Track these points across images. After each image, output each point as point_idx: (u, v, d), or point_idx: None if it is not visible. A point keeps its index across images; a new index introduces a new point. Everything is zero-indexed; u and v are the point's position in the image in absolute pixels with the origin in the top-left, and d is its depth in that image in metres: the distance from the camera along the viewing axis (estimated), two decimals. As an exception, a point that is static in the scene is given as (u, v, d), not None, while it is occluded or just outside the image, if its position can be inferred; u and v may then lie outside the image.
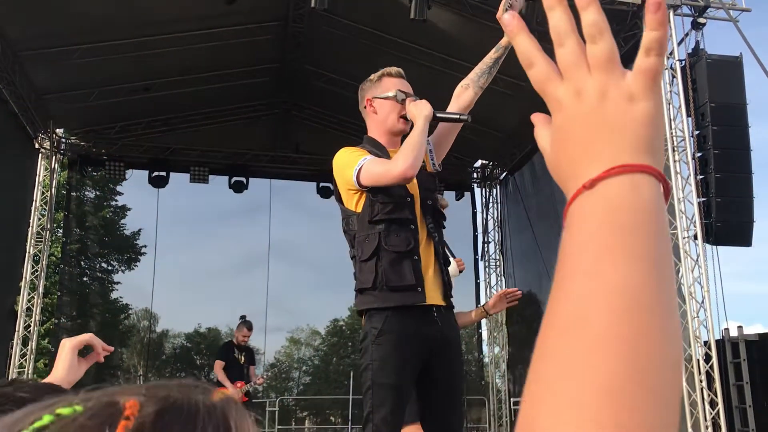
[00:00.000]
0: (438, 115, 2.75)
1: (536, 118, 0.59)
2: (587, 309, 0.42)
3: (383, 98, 2.88)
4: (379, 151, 2.82)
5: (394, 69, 2.95)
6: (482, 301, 13.62)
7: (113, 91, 10.99)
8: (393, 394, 2.54)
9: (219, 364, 8.16)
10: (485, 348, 14.18)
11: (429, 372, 2.69)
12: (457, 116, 2.77)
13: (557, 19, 0.52)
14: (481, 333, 14.23)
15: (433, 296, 2.70)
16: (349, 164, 2.71)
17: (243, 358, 8.25)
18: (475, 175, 13.94)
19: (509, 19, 0.55)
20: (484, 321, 13.81)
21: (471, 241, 13.58)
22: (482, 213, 13.87)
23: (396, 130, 2.88)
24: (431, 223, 2.78)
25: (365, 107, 2.95)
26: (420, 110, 2.71)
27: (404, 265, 2.65)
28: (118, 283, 22.44)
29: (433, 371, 2.69)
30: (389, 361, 2.57)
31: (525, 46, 0.54)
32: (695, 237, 7.95)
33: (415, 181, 2.72)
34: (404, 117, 2.83)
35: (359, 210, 2.75)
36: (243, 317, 8.60)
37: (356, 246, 2.75)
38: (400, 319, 2.62)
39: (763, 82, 8.08)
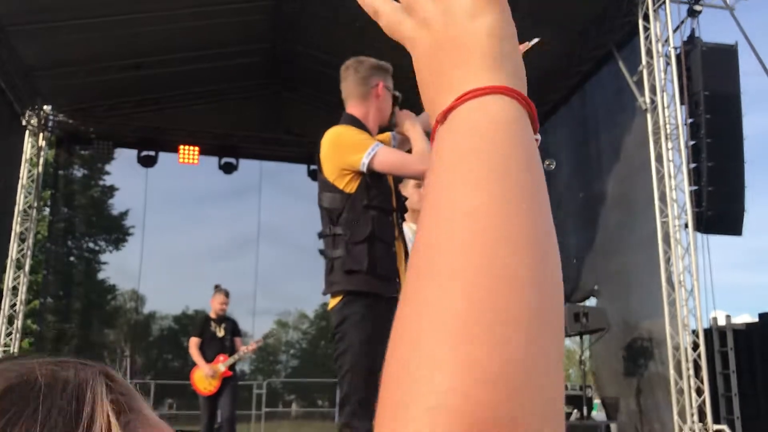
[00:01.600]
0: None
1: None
2: (437, 241, 0.40)
3: (390, 91, 2.98)
4: (369, 134, 2.91)
5: (389, 65, 3.05)
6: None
7: (102, 69, 10.84)
8: (372, 378, 2.57)
9: (193, 341, 7.62)
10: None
11: None
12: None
13: None
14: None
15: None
16: (358, 148, 2.73)
17: (223, 331, 7.58)
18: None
19: None
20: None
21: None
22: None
23: (385, 124, 2.99)
24: (401, 216, 2.90)
25: (373, 87, 2.98)
26: (417, 125, 2.87)
27: (390, 256, 2.73)
28: (105, 263, 22.37)
29: None
30: (370, 346, 2.61)
31: None
32: (686, 225, 7.95)
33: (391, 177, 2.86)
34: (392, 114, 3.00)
35: (351, 191, 2.76)
36: (217, 286, 7.95)
37: (343, 226, 2.76)
38: (380, 307, 2.67)
39: (757, 70, 8.08)
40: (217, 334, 7.57)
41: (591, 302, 9.76)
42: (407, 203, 3.07)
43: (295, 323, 36.37)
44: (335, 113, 12.11)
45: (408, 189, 3.44)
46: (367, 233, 2.69)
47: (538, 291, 0.38)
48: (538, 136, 0.48)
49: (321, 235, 2.84)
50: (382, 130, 3.02)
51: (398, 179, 2.92)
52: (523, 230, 0.40)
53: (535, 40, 2.58)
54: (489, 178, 0.41)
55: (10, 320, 10.92)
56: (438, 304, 0.37)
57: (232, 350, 7.54)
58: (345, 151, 2.77)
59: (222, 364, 7.39)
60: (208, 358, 7.44)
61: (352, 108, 2.96)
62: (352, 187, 2.76)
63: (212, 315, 7.76)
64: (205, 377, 7.34)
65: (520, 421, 0.33)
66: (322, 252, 2.85)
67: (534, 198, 0.41)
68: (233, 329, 7.75)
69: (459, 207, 0.40)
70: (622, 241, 9.01)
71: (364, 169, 2.69)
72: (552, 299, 0.39)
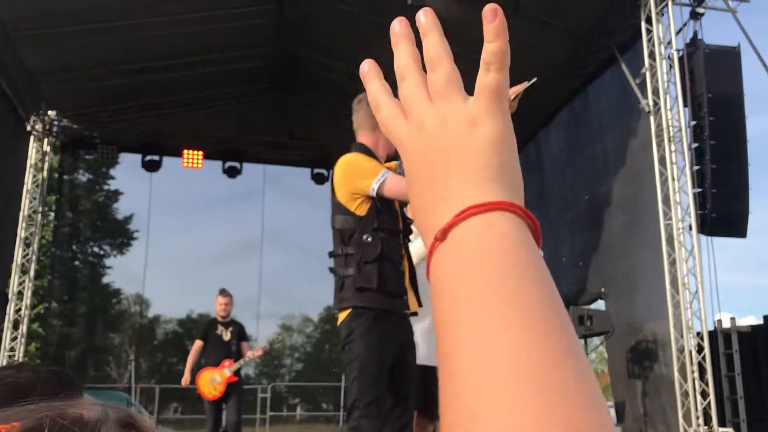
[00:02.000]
0: None
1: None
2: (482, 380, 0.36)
3: None
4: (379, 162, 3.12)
5: None
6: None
7: (106, 74, 10.88)
8: (378, 384, 2.79)
9: (197, 344, 7.54)
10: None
11: (400, 366, 2.98)
12: None
13: (399, 54, 0.50)
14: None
15: (411, 304, 3.01)
16: (368, 174, 2.92)
17: (229, 335, 7.45)
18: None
19: (364, 65, 0.53)
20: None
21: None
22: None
23: (393, 154, 3.18)
24: (406, 237, 3.08)
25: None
26: None
27: (398, 274, 2.95)
28: (109, 267, 22.42)
29: (402, 367, 2.99)
30: (376, 355, 2.84)
31: (374, 90, 0.51)
32: (690, 227, 7.94)
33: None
34: None
35: (362, 213, 2.95)
36: (221, 289, 7.78)
37: (355, 246, 2.93)
38: (386, 321, 2.89)
39: (760, 72, 8.07)
40: (224, 337, 7.44)
41: (599, 305, 9.76)
42: (412, 225, 3.21)
43: (299, 327, 36.40)
44: (337, 116, 12.21)
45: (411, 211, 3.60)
46: (377, 253, 2.87)
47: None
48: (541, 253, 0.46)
49: (332, 255, 3.05)
50: (388, 159, 3.19)
51: (404, 203, 3.03)
52: (568, 360, 0.36)
53: (533, 80, 2.52)
54: (518, 307, 0.38)
55: (16, 325, 10.95)
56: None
57: (238, 355, 7.41)
58: (356, 177, 2.96)
59: (227, 369, 7.27)
60: (214, 362, 7.34)
61: (363, 137, 3.20)
62: (363, 210, 2.94)
63: (218, 318, 7.62)
64: (209, 382, 7.24)
65: None
66: (332, 270, 3.05)
67: (566, 326, 0.38)
68: (240, 333, 7.61)
69: (497, 343, 0.37)
70: (628, 244, 8.99)
71: (374, 194, 2.88)
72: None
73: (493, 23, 0.46)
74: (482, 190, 0.43)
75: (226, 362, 7.32)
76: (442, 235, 0.43)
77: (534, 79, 2.43)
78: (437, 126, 0.46)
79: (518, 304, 0.38)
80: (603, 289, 9.58)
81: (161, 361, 30.11)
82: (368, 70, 0.52)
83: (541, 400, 0.34)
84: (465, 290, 0.40)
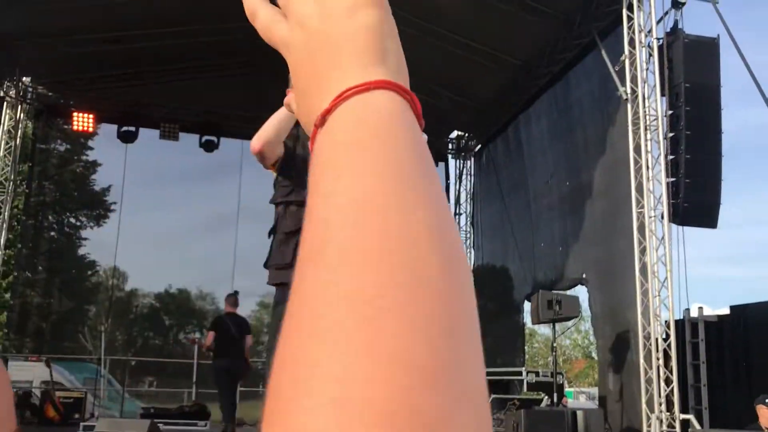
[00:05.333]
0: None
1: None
2: (323, 233, 0.35)
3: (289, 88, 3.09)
4: (302, 134, 2.96)
5: None
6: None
7: (83, 41, 10.69)
8: None
9: (210, 335, 8.23)
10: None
11: None
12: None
13: None
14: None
15: None
16: None
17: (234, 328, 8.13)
18: (450, 146, 13.87)
19: None
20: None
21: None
22: (455, 185, 13.83)
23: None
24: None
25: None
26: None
27: (289, 245, 2.75)
28: (86, 239, 22.15)
29: None
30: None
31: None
32: (662, 217, 7.98)
33: None
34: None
35: (274, 190, 2.98)
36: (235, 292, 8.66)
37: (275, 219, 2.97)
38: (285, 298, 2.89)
39: (738, 65, 8.09)
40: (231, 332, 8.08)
41: (580, 290, 9.81)
42: None
43: (277, 305, 36.40)
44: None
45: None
46: (271, 228, 2.93)
47: (449, 275, 0.34)
48: (424, 136, 0.44)
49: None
50: None
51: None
52: (428, 218, 0.35)
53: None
54: (383, 166, 0.37)
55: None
56: (341, 287, 0.32)
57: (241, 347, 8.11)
58: None
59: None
60: (221, 353, 7.93)
61: None
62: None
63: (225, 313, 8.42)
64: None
65: (438, 409, 0.29)
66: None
67: (434, 187, 0.37)
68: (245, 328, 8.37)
69: (352, 194, 0.36)
70: (607, 231, 9.02)
71: (253, 153, 2.93)
72: (465, 285, 0.35)
73: None
74: (362, 74, 0.42)
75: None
76: (321, 120, 0.42)
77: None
78: (317, 17, 0.45)
79: (392, 162, 0.37)
80: (584, 275, 9.62)
81: (137, 334, 29.97)
82: None
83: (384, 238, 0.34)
84: (334, 156, 0.39)
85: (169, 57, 11.73)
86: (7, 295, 15.25)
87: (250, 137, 11.39)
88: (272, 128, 2.64)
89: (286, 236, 2.74)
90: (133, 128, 12.03)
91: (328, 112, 0.41)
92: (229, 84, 12.55)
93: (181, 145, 12.35)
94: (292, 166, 2.74)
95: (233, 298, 8.57)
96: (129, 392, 14.64)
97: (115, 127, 12.13)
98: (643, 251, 7.98)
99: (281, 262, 2.73)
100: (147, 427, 7.40)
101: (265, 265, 2.77)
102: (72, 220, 21.52)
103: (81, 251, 21.96)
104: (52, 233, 19.57)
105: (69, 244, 21.01)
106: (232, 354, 7.92)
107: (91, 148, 20.51)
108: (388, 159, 0.38)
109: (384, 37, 0.45)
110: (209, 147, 12.38)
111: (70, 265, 20.22)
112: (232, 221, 13.53)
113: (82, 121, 11.83)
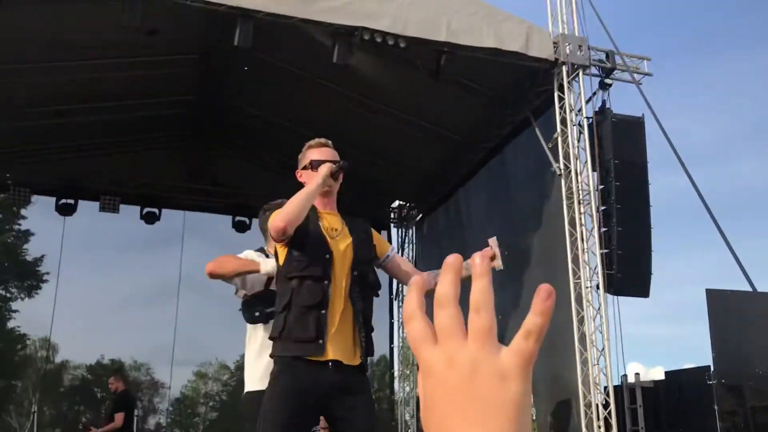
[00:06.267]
0: (332, 170, 2.99)
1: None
2: None
3: (304, 168, 3.09)
4: (311, 212, 2.97)
5: (315, 140, 3.16)
6: (395, 340, 13.71)
7: (22, 114, 10.60)
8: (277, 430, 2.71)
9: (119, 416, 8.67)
10: (396, 386, 14.20)
11: (333, 421, 2.86)
12: (339, 164, 3.00)
13: (446, 283, 0.53)
14: (393, 372, 14.27)
15: (338, 352, 2.81)
16: (271, 219, 2.89)
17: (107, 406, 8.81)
18: (392, 215, 14.11)
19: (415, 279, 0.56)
20: (395, 359, 13.88)
21: (386, 281, 13.69)
22: (398, 253, 14.00)
23: (329, 190, 3.08)
24: (356, 292, 2.91)
25: (299, 179, 3.15)
26: (317, 173, 2.95)
27: (309, 318, 2.79)
28: (15, 311, 21.30)
29: (336, 420, 2.85)
30: (276, 407, 2.74)
31: (410, 302, 0.55)
32: (597, 287, 8.29)
33: (345, 243, 2.93)
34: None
35: (282, 264, 2.93)
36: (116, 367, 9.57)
37: (276, 298, 2.93)
38: (297, 369, 2.77)
39: (662, 140, 8.61)
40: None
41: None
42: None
43: (215, 374, 35.41)
44: (262, 165, 12.16)
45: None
46: (285, 303, 2.83)
47: None
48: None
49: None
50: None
51: (363, 258, 2.98)
52: None
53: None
54: None
55: None
56: None
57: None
58: (266, 228, 3.04)
59: None
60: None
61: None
62: (282, 260, 2.94)
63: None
64: None
65: None
66: None
67: None
68: (114, 407, 8.90)
69: None
70: (544, 300, 9.22)
71: (273, 234, 2.91)
72: None
73: (545, 303, 0.53)
74: None
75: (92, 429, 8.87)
76: None
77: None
78: (468, 368, 0.49)
79: None
80: None
81: (68, 408, 28.62)
82: (419, 282, 0.55)
83: None
84: None
85: (111, 130, 11.71)
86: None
87: (192, 209, 11.37)
88: (299, 209, 2.79)
89: (305, 310, 2.80)
90: (72, 201, 11.85)
91: None
92: (172, 156, 12.58)
93: (122, 217, 12.21)
94: (305, 242, 2.85)
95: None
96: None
97: (52, 199, 11.92)
98: (581, 321, 8.25)
99: (303, 336, 2.77)
100: None
101: (278, 337, 2.82)
102: (1, 291, 20.76)
103: (10, 324, 21.12)
104: (-20, 306, 18.81)
105: (-3, 317, 20.20)
106: None
107: (24, 218, 19.98)
108: None
109: (525, 411, 0.49)
110: (150, 219, 12.28)
111: (-2, 340, 19.40)
112: (173, 292, 13.30)
113: (19, 195, 11.61)
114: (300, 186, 3.00)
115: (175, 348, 13.91)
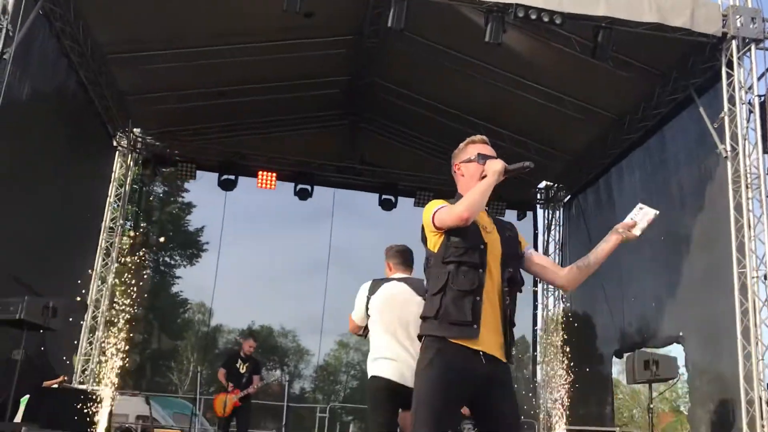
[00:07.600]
0: (508, 168, 3.00)
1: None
2: None
3: (466, 161, 3.14)
4: None
5: (477, 136, 3.21)
6: (539, 324, 13.54)
7: (189, 95, 11.38)
8: (434, 420, 2.71)
9: (221, 372, 9.25)
10: (538, 370, 14.00)
11: (479, 411, 2.85)
12: (521, 164, 3.01)
13: None
14: (535, 354, 14.09)
15: (488, 343, 2.84)
16: (430, 210, 2.99)
17: (245, 369, 9.08)
18: (538, 196, 13.86)
19: None
20: (538, 341, 13.69)
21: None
22: (544, 234, 13.76)
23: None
24: (506, 286, 2.95)
25: (455, 172, 3.23)
26: (492, 166, 3.00)
27: (465, 302, 2.83)
28: (179, 277, 23.04)
29: (483, 412, 2.85)
30: (433, 391, 2.75)
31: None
32: (765, 277, 7.75)
33: (494, 239, 2.99)
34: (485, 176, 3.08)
35: (436, 250, 2.97)
36: (250, 330, 9.66)
37: (429, 281, 2.99)
38: (451, 354, 2.79)
39: None
40: (240, 370, 9.09)
41: (676, 348, 9.48)
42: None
43: (356, 344, 36.54)
44: (410, 145, 12.34)
45: None
46: (441, 285, 2.87)
47: None
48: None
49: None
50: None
51: (511, 255, 3.03)
52: None
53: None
54: None
55: (92, 330, 11.47)
56: None
57: (247, 386, 8.98)
58: (425, 216, 3.03)
59: (235, 395, 8.87)
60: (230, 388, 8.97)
61: (458, 190, 3.23)
62: (437, 247, 2.96)
63: (241, 354, 9.32)
64: (221, 402, 8.89)
65: None
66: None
67: None
68: (254, 368, 9.25)
69: None
70: (707, 288, 8.71)
71: (434, 227, 2.96)
72: None
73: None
74: None
75: (235, 391, 8.93)
76: None
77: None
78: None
79: None
80: (681, 333, 9.29)
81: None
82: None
83: None
84: None
85: (268, 110, 12.31)
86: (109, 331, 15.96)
87: (340, 186, 11.80)
88: (480, 200, 2.93)
89: (462, 294, 2.87)
90: (232, 177, 12.62)
91: None
92: (324, 135, 13.05)
93: (277, 193, 12.86)
94: (466, 231, 2.93)
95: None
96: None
97: (215, 174, 12.73)
98: (744, 313, 7.75)
99: (459, 318, 2.83)
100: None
101: (434, 318, 2.90)
102: (167, 258, 22.48)
103: (174, 289, 22.88)
104: (148, 271, 20.48)
105: (163, 282, 21.92)
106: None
107: (187, 191, 21.48)
108: None
109: None
110: (303, 195, 12.83)
111: (163, 303, 21.05)
112: (323, 266, 13.88)
113: (186, 170, 12.53)
114: (451, 179, 3.11)
115: (324, 319, 14.52)
